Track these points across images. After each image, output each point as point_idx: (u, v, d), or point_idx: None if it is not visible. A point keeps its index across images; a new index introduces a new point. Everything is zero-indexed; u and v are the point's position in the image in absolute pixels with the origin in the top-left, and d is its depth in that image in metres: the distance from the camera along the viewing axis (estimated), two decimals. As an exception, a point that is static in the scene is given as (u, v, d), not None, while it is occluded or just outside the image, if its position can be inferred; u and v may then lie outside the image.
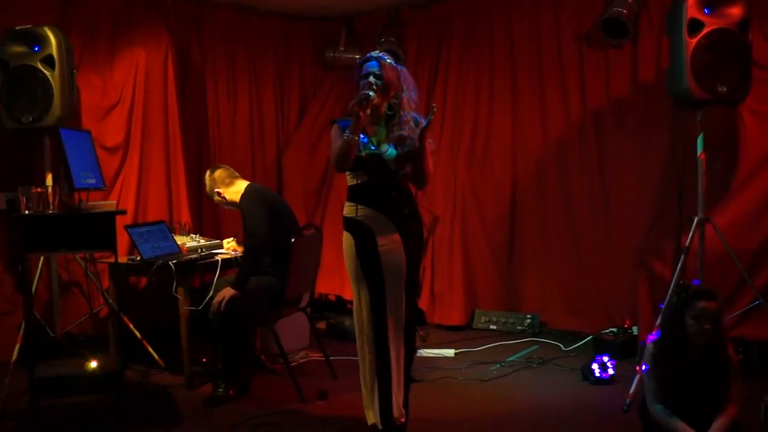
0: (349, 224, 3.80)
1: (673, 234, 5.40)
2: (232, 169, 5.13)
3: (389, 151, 3.73)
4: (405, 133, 3.75)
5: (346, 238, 3.81)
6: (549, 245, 6.37)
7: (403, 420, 3.82)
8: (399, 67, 3.83)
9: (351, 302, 6.59)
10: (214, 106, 6.78)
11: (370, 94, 3.59)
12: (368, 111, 3.65)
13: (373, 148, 3.74)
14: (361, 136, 3.68)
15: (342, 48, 7.17)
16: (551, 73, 6.33)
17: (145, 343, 5.37)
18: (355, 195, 3.80)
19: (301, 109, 7.39)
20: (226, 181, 5.03)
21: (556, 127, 6.34)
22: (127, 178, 6.01)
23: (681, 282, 3.75)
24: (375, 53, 3.83)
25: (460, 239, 6.59)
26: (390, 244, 3.73)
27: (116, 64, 6.02)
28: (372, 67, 3.75)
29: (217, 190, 5.03)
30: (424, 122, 3.71)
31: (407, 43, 7.00)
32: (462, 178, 6.63)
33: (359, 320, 3.82)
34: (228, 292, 4.59)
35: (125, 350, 5.03)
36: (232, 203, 5.02)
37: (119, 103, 6.01)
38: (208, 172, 5.13)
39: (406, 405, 3.87)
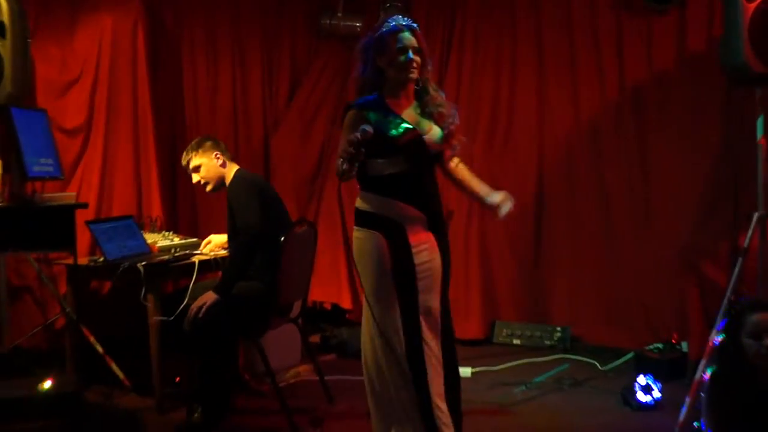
0: (373, 221, 3.66)
1: (728, 232, 5.45)
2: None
3: (434, 131, 3.69)
4: (444, 110, 3.71)
5: (367, 237, 3.66)
6: (581, 245, 6.33)
7: None
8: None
9: (349, 312, 6.77)
10: (192, 81, 6.74)
11: (367, 129, 3.38)
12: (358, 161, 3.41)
13: (409, 126, 3.65)
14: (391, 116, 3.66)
15: (340, 14, 7.08)
16: (583, 44, 6.32)
17: (108, 359, 5.33)
18: (385, 186, 3.64)
19: (293, 85, 7.32)
20: (228, 154, 4.99)
21: (589, 107, 6.32)
22: (89, 166, 6.00)
23: (730, 298, 3.67)
24: (402, 20, 3.72)
25: (478, 238, 6.55)
26: (424, 244, 3.66)
27: (77, 33, 6.01)
28: (407, 39, 3.64)
29: (217, 152, 4.92)
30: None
31: (416, 8, 6.92)
32: (480, 166, 6.36)
33: (384, 341, 3.64)
34: (209, 297, 4.51)
35: (85, 367, 5.01)
36: (219, 184, 4.94)
37: (81, 78, 6.00)
38: (198, 138, 5.05)
39: None
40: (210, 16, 6.81)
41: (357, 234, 3.69)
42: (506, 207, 3.79)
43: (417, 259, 3.61)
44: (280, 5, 7.20)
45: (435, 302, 3.67)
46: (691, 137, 5.77)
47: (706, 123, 5.68)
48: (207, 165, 4.90)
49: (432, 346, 3.64)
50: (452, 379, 3.76)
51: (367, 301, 3.65)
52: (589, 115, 6.29)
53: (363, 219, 3.69)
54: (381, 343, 3.63)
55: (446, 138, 3.71)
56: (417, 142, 3.64)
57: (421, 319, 3.62)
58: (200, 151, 4.91)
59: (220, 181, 4.93)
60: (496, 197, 3.81)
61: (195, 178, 4.98)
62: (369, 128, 3.39)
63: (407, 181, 3.64)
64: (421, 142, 3.65)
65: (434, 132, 3.69)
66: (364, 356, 3.72)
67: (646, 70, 6.01)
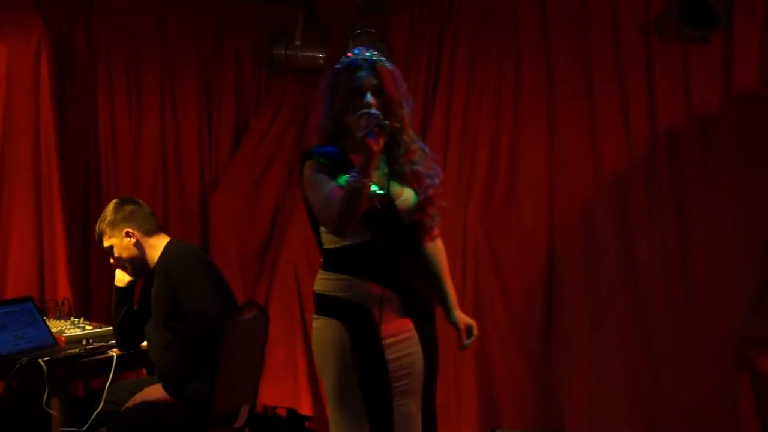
0: (335, 306, 3.63)
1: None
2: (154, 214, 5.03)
3: (407, 195, 3.68)
4: (420, 168, 3.71)
5: (329, 326, 3.63)
6: (604, 333, 6.25)
7: None
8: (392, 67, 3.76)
9: (309, 419, 6.72)
10: (109, 125, 6.80)
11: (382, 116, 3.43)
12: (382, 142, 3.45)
13: (378, 191, 3.58)
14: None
15: (298, 43, 7.13)
16: (605, 79, 6.36)
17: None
18: (344, 260, 3.65)
19: (238, 130, 7.40)
20: (147, 226, 4.91)
21: (612, 157, 6.34)
22: (-25, 234, 5.89)
23: None
24: (364, 52, 3.72)
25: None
26: (400, 334, 3.63)
27: (-38, 63, 6.08)
28: (365, 78, 3.63)
29: (128, 229, 4.85)
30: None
31: (394, 34, 7.03)
32: (474, 232, 6.58)
33: None
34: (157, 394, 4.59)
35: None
36: (140, 267, 4.91)
37: (-34, 122, 6.01)
38: (114, 204, 4.96)
39: None
40: (133, 44, 6.88)
41: (315, 324, 3.67)
42: (470, 340, 3.92)
43: (390, 354, 3.57)
44: (223, 31, 7.29)
45: (415, 410, 3.63)
46: (741, 196, 5.81)
47: (761, 176, 5.73)
48: (119, 246, 4.86)
49: None
50: None
51: (331, 410, 3.63)
52: (613, 167, 6.30)
53: (321, 304, 3.67)
54: None
55: (422, 205, 3.69)
56: (387, 210, 3.59)
57: None
58: (109, 229, 4.86)
59: (140, 262, 4.89)
60: (464, 318, 3.93)
61: (111, 258, 4.96)
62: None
63: (371, 253, 3.61)
64: (393, 210, 3.62)
65: (407, 197, 3.66)
66: None
67: (684, 110, 6.06)
